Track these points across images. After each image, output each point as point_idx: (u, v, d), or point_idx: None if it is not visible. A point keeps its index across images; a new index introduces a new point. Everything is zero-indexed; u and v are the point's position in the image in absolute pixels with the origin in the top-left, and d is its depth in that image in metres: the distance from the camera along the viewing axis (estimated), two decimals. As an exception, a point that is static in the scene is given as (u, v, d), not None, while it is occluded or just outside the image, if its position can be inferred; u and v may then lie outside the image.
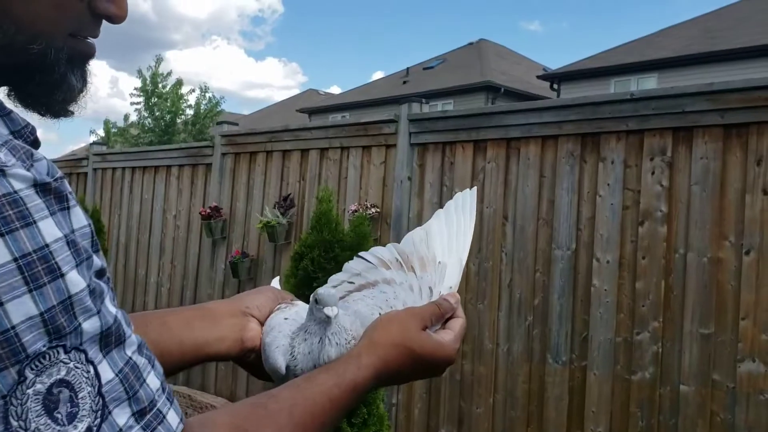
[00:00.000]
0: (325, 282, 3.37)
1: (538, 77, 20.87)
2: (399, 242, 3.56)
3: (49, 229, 0.49)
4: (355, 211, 4.51)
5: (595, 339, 3.41)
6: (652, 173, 3.33)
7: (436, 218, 0.94)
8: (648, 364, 3.25)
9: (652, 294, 3.27)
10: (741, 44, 15.86)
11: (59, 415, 0.48)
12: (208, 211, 5.58)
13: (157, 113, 21.39)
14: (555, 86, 19.45)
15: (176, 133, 21.39)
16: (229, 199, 5.66)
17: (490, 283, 3.90)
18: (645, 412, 3.24)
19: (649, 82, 16.75)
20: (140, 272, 6.46)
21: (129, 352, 0.54)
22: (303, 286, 3.36)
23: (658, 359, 3.22)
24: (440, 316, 0.85)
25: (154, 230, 6.36)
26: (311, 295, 0.79)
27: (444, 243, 0.91)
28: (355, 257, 0.90)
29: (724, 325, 3.06)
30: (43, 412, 0.47)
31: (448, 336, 0.84)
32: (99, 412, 0.50)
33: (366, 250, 3.45)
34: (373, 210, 4.56)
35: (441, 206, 3.81)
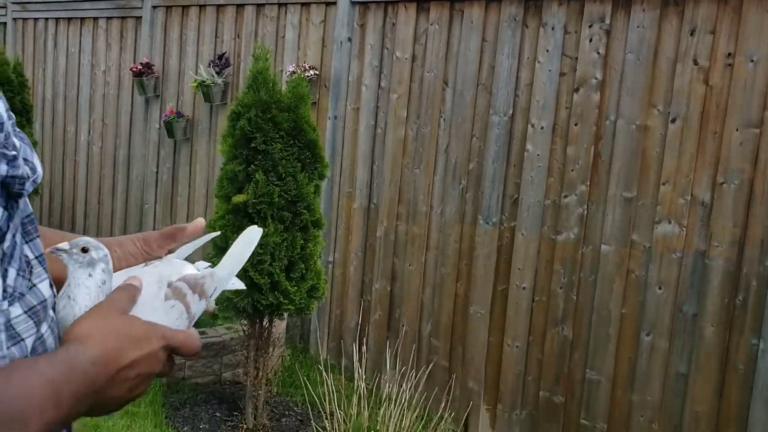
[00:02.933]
0: (262, 142, 3.36)
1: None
2: (337, 106, 3.54)
3: None
4: (293, 72, 4.42)
5: (525, 201, 3.56)
6: (590, 40, 3.36)
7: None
8: (573, 225, 3.43)
9: (582, 159, 3.40)
10: None
11: None
12: (140, 67, 5.37)
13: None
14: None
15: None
16: (161, 56, 5.44)
17: (427, 148, 3.96)
18: (567, 270, 3.46)
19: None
20: (69, 130, 6.26)
21: None
22: (241, 146, 3.35)
23: (582, 221, 3.40)
24: (135, 296, 0.81)
25: (83, 86, 6.10)
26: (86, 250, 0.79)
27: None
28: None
29: (645, 190, 3.23)
30: None
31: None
32: None
33: (304, 112, 3.42)
34: (311, 72, 4.48)
35: (381, 71, 3.77)
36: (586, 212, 3.40)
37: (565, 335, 3.47)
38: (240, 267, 0.91)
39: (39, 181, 0.72)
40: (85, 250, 0.78)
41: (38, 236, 0.77)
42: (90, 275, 0.78)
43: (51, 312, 0.77)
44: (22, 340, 0.70)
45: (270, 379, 3.77)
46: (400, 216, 4.10)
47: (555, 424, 3.51)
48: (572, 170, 3.43)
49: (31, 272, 0.74)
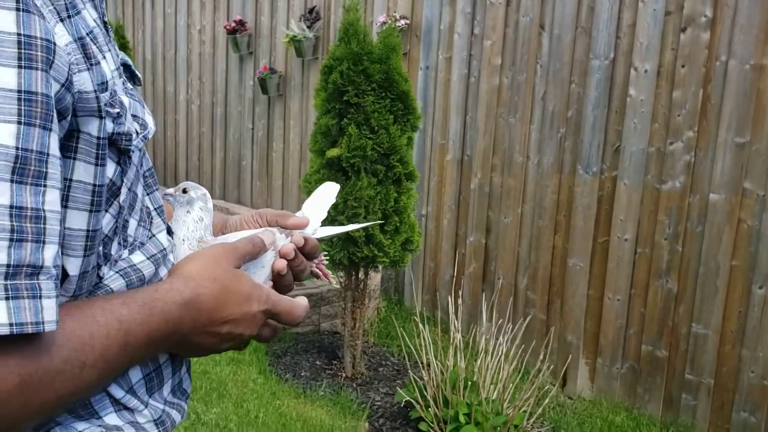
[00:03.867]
0: (354, 95, 3.38)
1: None
2: (428, 56, 3.49)
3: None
4: (384, 23, 4.36)
5: (628, 149, 3.41)
6: (701, -26, 3.13)
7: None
8: (679, 174, 3.26)
9: (689, 103, 3.21)
10: None
11: None
12: (233, 25, 5.44)
13: None
14: None
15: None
16: (253, 13, 5.50)
17: (522, 96, 3.84)
18: (673, 220, 3.30)
19: None
20: (169, 89, 6.46)
21: (43, 204, 0.55)
22: (333, 100, 3.35)
23: (689, 168, 3.23)
24: (254, 253, 0.82)
25: (180, 46, 6.26)
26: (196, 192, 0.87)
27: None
28: None
29: (760, 134, 3.02)
30: None
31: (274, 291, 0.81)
32: None
33: (395, 63, 3.36)
34: (402, 22, 4.41)
35: (474, 17, 3.66)
36: (693, 159, 3.22)
37: (669, 288, 3.34)
38: (323, 215, 0.96)
39: (150, 136, 0.74)
40: (185, 191, 0.86)
41: (157, 189, 0.80)
42: (188, 212, 0.85)
43: (171, 258, 0.80)
44: (148, 282, 0.73)
45: (366, 329, 3.84)
46: (494, 167, 4.02)
47: (658, 378, 3.41)
48: (678, 115, 3.24)
49: (151, 223, 0.77)
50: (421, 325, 3.23)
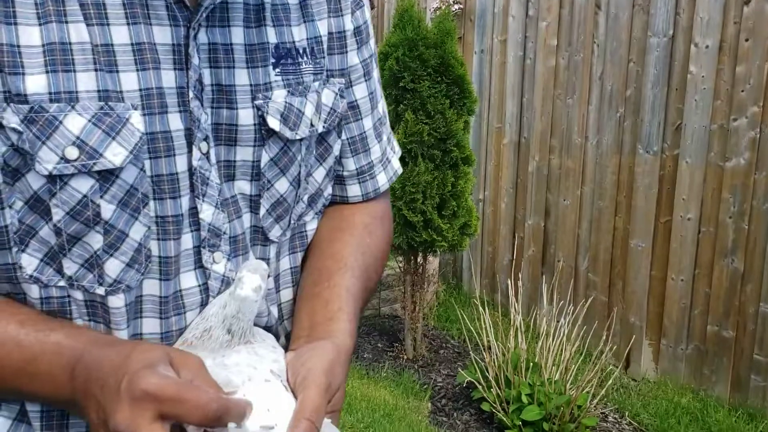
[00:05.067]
0: (410, 81, 3.38)
1: None
2: (483, 40, 3.49)
3: None
4: (438, 8, 4.37)
5: (689, 127, 3.35)
6: (764, -56, 3.04)
7: None
8: (744, 150, 3.19)
9: (753, 78, 3.12)
10: None
11: None
12: (289, 17, 5.53)
13: None
14: None
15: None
16: (308, 4, 5.57)
17: (580, 76, 3.80)
18: (738, 198, 3.23)
19: None
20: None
21: None
22: (389, 86, 3.39)
23: (755, 145, 3.15)
24: (201, 417, 0.58)
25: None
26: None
27: None
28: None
29: (830, 107, 2.93)
30: None
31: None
32: None
33: (450, 47, 3.38)
34: (456, 6, 4.41)
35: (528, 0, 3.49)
36: (758, 136, 3.14)
37: (735, 267, 3.27)
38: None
39: (97, 169, 0.66)
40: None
41: (177, 238, 0.73)
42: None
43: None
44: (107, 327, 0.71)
45: (426, 313, 3.88)
46: (552, 149, 4.00)
47: (725, 359, 3.36)
48: (742, 91, 3.17)
49: (148, 269, 0.72)
50: (481, 308, 3.26)
